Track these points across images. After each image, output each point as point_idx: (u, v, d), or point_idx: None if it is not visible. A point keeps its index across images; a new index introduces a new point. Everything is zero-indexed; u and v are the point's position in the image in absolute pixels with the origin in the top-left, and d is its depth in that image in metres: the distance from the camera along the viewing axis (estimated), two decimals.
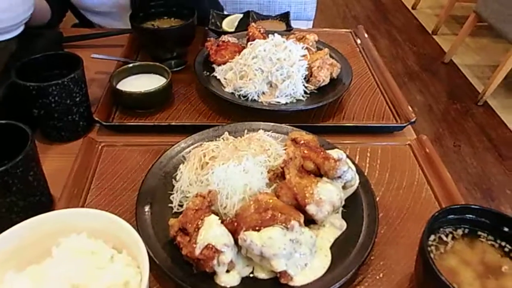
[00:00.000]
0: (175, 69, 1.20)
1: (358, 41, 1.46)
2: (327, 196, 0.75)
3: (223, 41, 1.16)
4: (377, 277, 0.75)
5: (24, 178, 0.75)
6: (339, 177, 0.79)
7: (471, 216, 0.72)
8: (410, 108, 1.10)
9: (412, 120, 1.06)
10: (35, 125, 0.79)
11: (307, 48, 1.14)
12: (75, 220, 0.66)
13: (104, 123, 1.03)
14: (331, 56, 1.17)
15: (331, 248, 0.75)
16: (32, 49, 1.09)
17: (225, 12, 1.65)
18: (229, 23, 1.43)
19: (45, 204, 0.84)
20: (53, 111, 0.95)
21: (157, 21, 1.29)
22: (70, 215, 0.67)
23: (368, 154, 1.00)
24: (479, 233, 0.71)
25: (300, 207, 0.74)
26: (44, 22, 1.36)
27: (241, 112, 1.06)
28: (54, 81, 0.91)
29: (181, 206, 0.81)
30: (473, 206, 0.72)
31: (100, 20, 1.59)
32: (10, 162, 0.71)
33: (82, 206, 0.85)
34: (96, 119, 1.02)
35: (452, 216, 0.71)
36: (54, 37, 1.21)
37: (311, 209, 0.74)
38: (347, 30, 1.54)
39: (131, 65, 1.13)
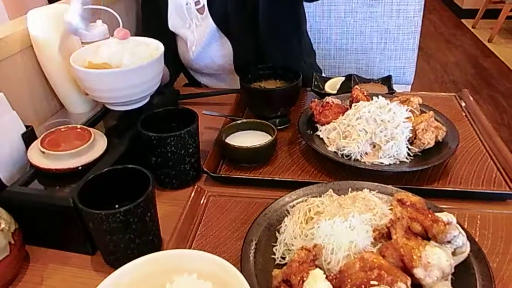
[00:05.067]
0: (279, 127, 1.25)
1: (463, 104, 1.42)
2: (436, 260, 0.71)
3: (327, 102, 1.20)
4: None
5: (142, 218, 0.83)
6: (449, 242, 0.75)
7: None
8: None
9: None
10: (151, 172, 0.88)
11: (411, 110, 1.14)
12: (188, 261, 0.70)
13: (212, 174, 1.10)
14: (436, 119, 1.15)
15: None
16: (154, 104, 1.22)
17: (324, 75, 1.71)
18: (331, 86, 1.48)
19: (156, 244, 0.91)
20: (169, 160, 1.04)
21: (264, 82, 1.38)
22: (184, 256, 0.71)
23: (478, 222, 0.94)
24: None
25: (406, 270, 0.72)
26: (165, 83, 1.53)
27: (343, 171, 1.07)
28: (173, 133, 1.00)
29: (283, 258, 0.82)
30: None
31: (207, 80, 1.74)
32: (132, 202, 0.79)
33: None
34: (205, 170, 1.10)
35: None
36: (172, 94, 1.35)
37: (418, 272, 0.71)
38: (451, 94, 1.50)
39: (239, 121, 1.21)
